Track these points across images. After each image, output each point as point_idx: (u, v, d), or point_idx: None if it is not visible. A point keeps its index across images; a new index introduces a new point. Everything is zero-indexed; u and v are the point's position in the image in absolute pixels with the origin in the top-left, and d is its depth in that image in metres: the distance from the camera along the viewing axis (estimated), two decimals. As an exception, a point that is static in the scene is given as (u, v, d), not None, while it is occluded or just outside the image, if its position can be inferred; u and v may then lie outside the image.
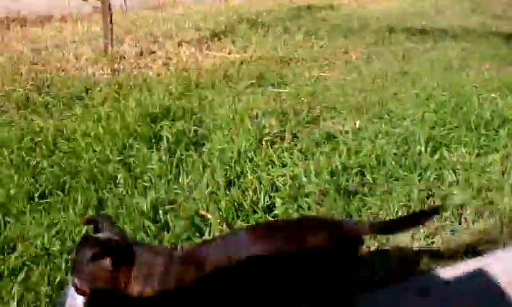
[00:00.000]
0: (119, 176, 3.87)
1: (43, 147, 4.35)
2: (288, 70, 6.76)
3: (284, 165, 4.03)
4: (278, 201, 3.56)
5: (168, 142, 4.38)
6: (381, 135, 4.52)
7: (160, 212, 3.40)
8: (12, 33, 9.05)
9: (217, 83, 6.12)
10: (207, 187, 3.68)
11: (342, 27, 9.60)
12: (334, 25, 9.81)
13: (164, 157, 4.12)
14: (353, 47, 7.95)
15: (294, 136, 4.54)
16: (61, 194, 3.64)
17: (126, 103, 5.29)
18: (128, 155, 4.21)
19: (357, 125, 4.73)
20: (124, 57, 7.24)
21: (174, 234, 3.20)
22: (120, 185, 3.78)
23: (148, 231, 3.24)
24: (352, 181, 3.76)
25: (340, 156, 4.07)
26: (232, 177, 3.84)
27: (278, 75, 6.47)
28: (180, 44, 8.09)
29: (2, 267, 2.90)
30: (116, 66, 6.73)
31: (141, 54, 7.47)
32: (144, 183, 3.81)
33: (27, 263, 2.96)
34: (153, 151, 4.22)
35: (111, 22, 6.86)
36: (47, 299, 2.68)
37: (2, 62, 6.83)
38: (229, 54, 7.54)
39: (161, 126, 4.63)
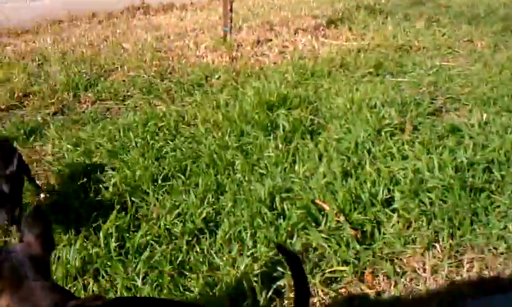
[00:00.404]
0: (237, 162, 3.94)
1: (166, 132, 4.53)
2: (408, 58, 6.50)
3: (404, 158, 3.88)
4: (398, 195, 3.43)
5: (284, 130, 4.39)
6: (510, 130, 4.21)
7: (277, 199, 3.40)
8: (137, 21, 9.53)
9: (333, 71, 6.04)
10: (324, 176, 3.64)
11: (466, 13, 9.06)
12: (457, 11, 9.29)
13: (280, 145, 4.13)
14: (478, 35, 7.47)
15: (415, 128, 4.36)
16: (182, 177, 3.77)
17: (244, 91, 5.38)
18: (246, 142, 4.27)
19: (483, 118, 4.44)
20: (241, 45, 7.36)
21: (290, 222, 3.19)
22: (237, 171, 3.85)
23: (265, 217, 3.26)
24: (479, 178, 3.53)
25: (465, 150, 3.85)
26: (348, 168, 3.76)
27: (397, 64, 6.25)
28: (296, 32, 8.07)
29: (128, 244, 3.05)
30: (234, 54, 6.85)
31: (258, 42, 7.54)
32: (260, 170, 3.85)
33: (151, 242, 3.10)
34: (269, 139, 4.25)
35: (231, 10, 6.98)
36: (169, 278, 2.79)
37: (128, 49, 7.21)
38: (346, 41, 7.40)
39: (278, 115, 4.64)
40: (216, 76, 6.03)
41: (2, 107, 5.31)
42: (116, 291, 2.72)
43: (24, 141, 4.48)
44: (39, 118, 5.03)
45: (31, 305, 1.63)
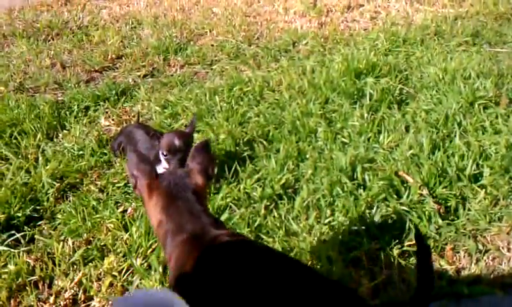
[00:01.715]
0: (319, 129, 3.88)
1: (251, 97, 4.54)
2: (509, 27, 6.05)
3: (497, 133, 3.66)
4: (487, 171, 3.25)
5: (370, 99, 4.25)
6: None
7: (358, 169, 3.32)
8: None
9: (427, 39, 5.74)
10: (409, 148, 3.50)
11: None
12: None
13: (365, 114, 4.02)
14: None
15: (511, 101, 4.07)
16: (264, 142, 3.77)
17: (331, 58, 5.26)
18: (330, 110, 4.19)
19: None
20: (332, 11, 7.17)
21: (371, 193, 3.12)
22: (319, 139, 3.79)
23: (345, 187, 3.20)
24: None
25: None
26: (437, 140, 3.59)
27: (496, 33, 5.82)
28: (389, -3, 7.75)
29: (209, 205, 3.10)
30: (323, 19, 6.70)
31: (349, 7, 7.31)
32: (343, 139, 3.76)
33: (231, 204, 3.13)
34: (355, 108, 4.14)
35: (322, -26, 6.82)
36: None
37: (218, 14, 7.26)
38: (442, 8, 7.00)
39: (365, 83, 4.51)
40: (304, 42, 5.93)
41: (97, 68, 5.54)
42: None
43: (115, 101, 4.65)
44: (130, 80, 5.21)
45: (176, 224, 1.89)
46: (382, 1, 7.48)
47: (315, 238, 2.81)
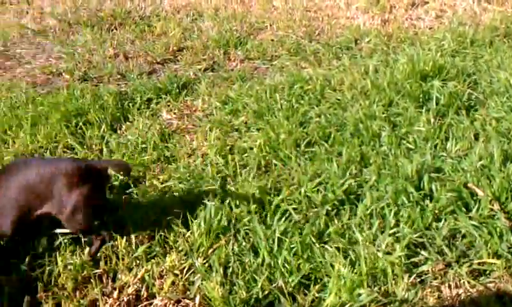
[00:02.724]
0: (383, 134, 3.77)
1: (311, 96, 4.47)
2: None
3: None
4: None
5: (437, 103, 4.11)
6: None
7: (425, 178, 3.20)
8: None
9: (496, 41, 5.52)
10: (479, 159, 3.36)
11: None
12: None
13: (432, 119, 3.88)
14: None
15: None
16: (325, 145, 3.70)
17: (395, 57, 5.13)
18: (394, 113, 4.08)
19: None
20: (395, 7, 7.00)
21: (438, 205, 3.00)
22: (383, 144, 3.69)
23: (411, 196, 3.10)
24: None
25: None
26: (508, 151, 3.43)
27: None
28: (456, -5, 7.48)
29: (268, 207, 3.07)
30: (386, 16, 6.54)
31: (413, 4, 7.11)
32: (408, 145, 3.65)
33: (291, 208, 3.08)
34: (420, 112, 4.01)
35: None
36: (306, 245, 2.77)
37: (278, 8, 7.19)
38: (513, 8, 6.71)
39: (431, 85, 4.36)
40: (366, 39, 5.81)
41: (159, 59, 5.60)
42: (257, 252, 2.76)
43: (176, 95, 4.68)
44: (191, 73, 5.23)
45: None
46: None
47: (380, 249, 2.73)
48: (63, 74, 5.25)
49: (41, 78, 5.22)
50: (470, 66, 4.85)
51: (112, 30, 6.48)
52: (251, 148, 3.71)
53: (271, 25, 6.39)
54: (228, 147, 3.75)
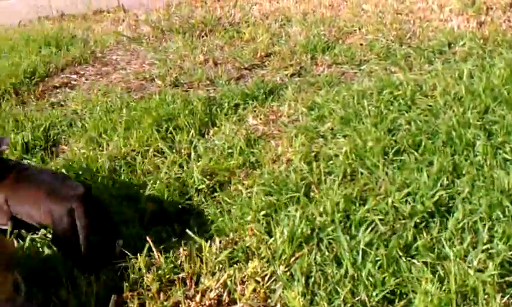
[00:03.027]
0: (478, 143, 3.58)
1: (401, 101, 4.33)
2: None
3: None
4: None
5: (539, 111, 3.85)
6: None
7: (524, 192, 3.00)
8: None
9: None
10: None
11: None
12: None
13: (532, 129, 3.63)
14: None
15: None
16: (415, 153, 3.56)
17: (492, 62, 4.86)
18: (490, 121, 3.86)
19: None
20: (491, 8, 6.63)
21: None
22: (478, 153, 3.50)
23: (506, 210, 2.91)
24: None
25: None
26: None
27: None
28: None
29: (353, 216, 3.00)
30: (482, 18, 6.21)
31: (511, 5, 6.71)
32: (505, 155, 3.44)
33: (377, 218, 2.99)
34: (520, 119, 3.77)
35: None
36: (392, 259, 2.68)
37: (368, 11, 7.05)
38: None
39: (532, 92, 4.09)
40: (461, 43, 5.54)
41: (246, 65, 5.66)
42: (340, 263, 2.71)
43: (262, 100, 4.71)
44: (278, 79, 5.24)
45: None
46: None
47: (471, 266, 2.58)
48: (156, 80, 5.44)
49: (135, 84, 5.45)
50: None
51: (202, 36, 6.65)
52: (337, 155, 3.65)
53: (360, 29, 6.26)
54: (313, 154, 3.72)
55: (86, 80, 5.81)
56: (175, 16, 7.51)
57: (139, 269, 2.74)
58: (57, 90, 5.54)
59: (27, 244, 2.93)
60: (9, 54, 6.31)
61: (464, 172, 3.31)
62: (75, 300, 2.57)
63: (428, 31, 6.05)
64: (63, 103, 5.15)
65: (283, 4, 7.87)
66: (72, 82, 5.77)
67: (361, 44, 5.88)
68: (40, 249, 2.92)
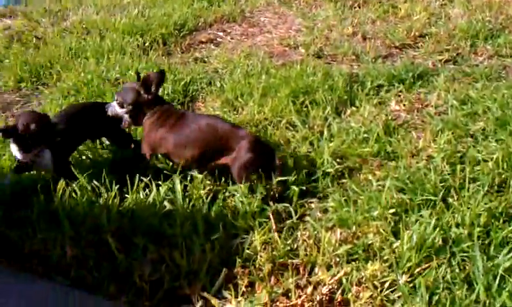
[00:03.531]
0: None
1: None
2: None
3: None
4: None
5: None
6: None
7: None
8: None
9: None
10: None
11: None
12: None
13: None
14: None
15: None
16: None
17: None
18: None
19: None
20: None
21: None
22: None
23: None
24: None
25: None
26: None
27: None
28: None
29: (493, 234, 2.64)
30: None
31: None
32: None
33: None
34: None
35: None
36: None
37: None
38: None
39: None
40: None
41: (397, 44, 5.30)
42: (471, 285, 2.39)
43: (409, 85, 4.36)
44: (429, 63, 4.84)
45: None
46: None
47: None
48: (299, 48, 5.28)
49: (278, 49, 5.35)
50: None
51: (355, 7, 6.34)
52: (486, 161, 3.24)
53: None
54: (458, 154, 3.34)
55: (232, 39, 5.83)
56: (329, -18, 7.25)
57: (255, 246, 2.65)
58: (203, 45, 5.62)
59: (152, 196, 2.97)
60: (163, 4, 6.49)
61: None
62: (188, 266, 2.54)
63: None
64: (206, 59, 5.21)
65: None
66: (218, 39, 5.82)
67: (532, 36, 5.22)
68: (160, 203, 2.93)
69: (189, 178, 3.09)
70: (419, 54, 5.09)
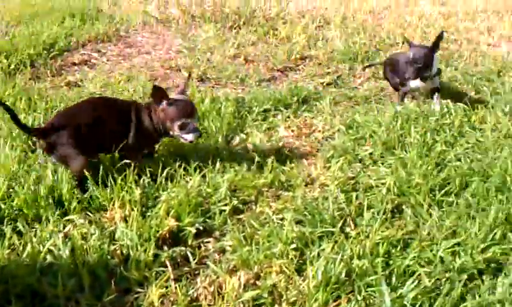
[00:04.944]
0: (534, 193, 3.19)
1: (448, 132, 3.94)
2: None
3: None
4: None
5: None
6: None
7: None
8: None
9: None
10: None
11: None
12: None
13: None
14: None
15: None
16: (469, 198, 3.17)
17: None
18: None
19: None
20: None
21: None
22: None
23: None
24: None
25: None
26: None
27: None
28: None
29: (394, 264, 2.64)
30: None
31: None
32: None
33: (421, 271, 2.62)
34: None
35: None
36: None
37: (412, 23, 6.65)
38: None
39: None
40: (511, 73, 5.15)
41: (279, 67, 5.30)
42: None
43: (295, 109, 4.35)
44: (312, 87, 4.88)
45: None
46: None
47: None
48: (182, 71, 5.09)
49: (159, 72, 5.11)
50: None
51: (235, 28, 6.30)
52: (378, 187, 3.28)
53: (403, 43, 5.88)
54: (351, 181, 3.35)
55: (108, 60, 5.48)
56: (207, 2, 7.15)
57: (151, 301, 2.39)
58: (76, 68, 5.23)
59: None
60: (30, 22, 5.96)
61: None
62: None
63: (476, 54, 5.65)
64: (80, 83, 4.82)
65: (320, 3, 7.50)
66: (92, 60, 5.45)
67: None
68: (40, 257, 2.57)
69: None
70: (301, 77, 5.14)
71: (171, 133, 3.30)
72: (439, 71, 4.37)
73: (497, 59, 5.45)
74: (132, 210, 2.87)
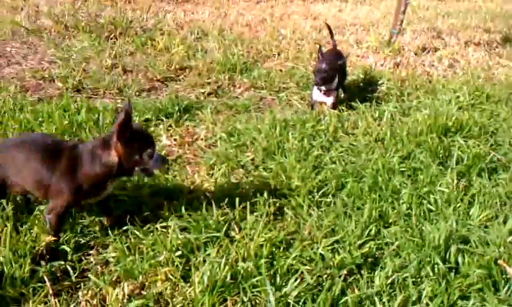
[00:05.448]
0: (403, 191, 3.45)
1: (324, 136, 4.15)
2: None
3: None
4: None
5: (457, 163, 3.83)
6: None
7: (452, 249, 2.88)
8: (295, 7, 9.25)
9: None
10: (510, 233, 3.06)
11: None
12: None
13: (454, 181, 3.57)
14: None
15: None
16: (344, 197, 3.36)
17: (410, 104, 4.86)
18: (413, 167, 3.77)
19: None
20: (404, 50, 6.78)
21: (466, 281, 2.68)
22: (403, 202, 3.36)
23: (436, 268, 2.77)
24: None
25: None
26: (541, 226, 3.14)
27: None
28: (466, 44, 7.31)
29: (277, 264, 2.71)
30: (398, 59, 6.30)
31: (424, 49, 6.90)
32: (429, 206, 3.34)
33: (303, 268, 2.72)
34: (441, 170, 3.72)
35: (404, 12, 6.42)
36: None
37: (286, 36, 6.91)
38: (527, 65, 6.55)
39: (453, 142, 4.08)
40: (379, 82, 5.54)
41: (159, 77, 5.25)
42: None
43: (177, 119, 4.33)
44: (193, 96, 4.89)
45: None
46: (459, 48, 7.07)
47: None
48: (56, 81, 4.85)
49: (31, 83, 4.82)
50: (487, 122, 4.59)
51: (111, 39, 6.13)
52: (261, 191, 3.35)
53: (279, 54, 6.10)
54: (235, 187, 3.39)
55: (-27, 71, 5.08)
56: (81, 12, 6.91)
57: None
58: None
59: None
60: None
61: (391, 221, 3.16)
62: None
63: (347, 65, 5.99)
64: None
65: (198, 16, 7.56)
66: (-45, 72, 5.02)
67: (280, 70, 5.69)
68: None
69: None
70: (182, 87, 5.12)
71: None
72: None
73: (366, 69, 5.82)
74: (5, 226, 2.67)
